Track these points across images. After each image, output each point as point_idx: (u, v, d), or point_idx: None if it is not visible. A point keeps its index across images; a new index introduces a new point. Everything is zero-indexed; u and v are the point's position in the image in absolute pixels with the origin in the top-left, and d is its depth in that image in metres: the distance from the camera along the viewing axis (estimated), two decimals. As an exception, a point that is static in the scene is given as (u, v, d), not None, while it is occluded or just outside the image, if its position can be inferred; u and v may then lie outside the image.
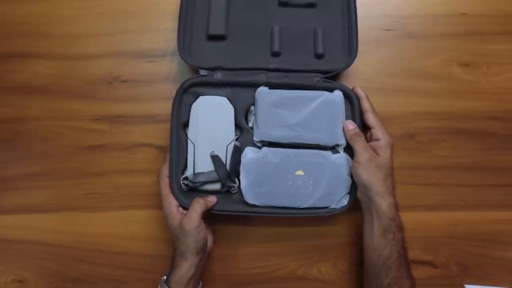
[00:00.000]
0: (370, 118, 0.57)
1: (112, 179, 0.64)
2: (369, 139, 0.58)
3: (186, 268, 0.54)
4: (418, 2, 0.67)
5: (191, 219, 0.54)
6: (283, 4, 0.63)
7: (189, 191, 0.59)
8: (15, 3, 0.67)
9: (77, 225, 0.64)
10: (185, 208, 0.56)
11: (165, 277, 0.55)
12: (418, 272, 0.63)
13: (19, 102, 0.66)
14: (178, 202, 0.57)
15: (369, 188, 0.54)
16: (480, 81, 0.66)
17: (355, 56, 0.59)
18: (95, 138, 0.65)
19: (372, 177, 0.54)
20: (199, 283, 0.57)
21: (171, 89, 0.65)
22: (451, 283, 0.64)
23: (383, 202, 0.53)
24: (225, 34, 0.61)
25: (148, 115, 0.65)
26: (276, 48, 0.61)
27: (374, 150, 0.56)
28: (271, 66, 0.60)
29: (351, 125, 0.58)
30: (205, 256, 0.57)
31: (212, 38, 0.61)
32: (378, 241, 0.54)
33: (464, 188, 0.65)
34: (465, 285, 0.63)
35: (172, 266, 0.55)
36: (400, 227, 0.54)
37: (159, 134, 0.64)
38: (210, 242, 0.58)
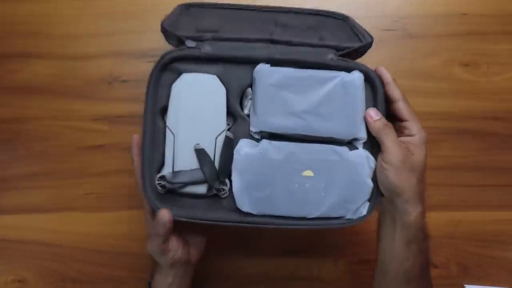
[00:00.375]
0: (403, 109, 0.46)
1: (112, 179, 0.64)
2: (397, 135, 0.48)
3: (163, 276, 0.50)
4: (418, 2, 0.67)
5: (150, 246, 0.48)
6: (281, 26, 0.51)
7: (167, 193, 0.48)
8: (15, 3, 0.67)
9: (77, 225, 0.64)
10: None
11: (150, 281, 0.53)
12: (419, 272, 0.63)
13: (19, 102, 0.66)
14: (152, 207, 0.47)
15: (399, 195, 0.45)
16: (480, 81, 0.66)
17: (372, 39, 0.50)
18: (95, 138, 0.65)
19: (404, 182, 0.45)
20: None
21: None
22: (451, 283, 0.64)
23: (413, 212, 0.45)
24: (217, 29, 0.49)
25: (148, 115, 0.65)
26: (282, 20, 0.50)
27: (407, 147, 0.46)
28: (275, 37, 0.48)
29: (375, 114, 0.47)
30: (186, 267, 0.51)
31: (201, 30, 0.50)
32: (399, 252, 0.46)
33: (464, 188, 0.65)
34: (465, 285, 0.63)
35: (151, 272, 0.53)
36: (426, 236, 0.47)
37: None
38: (195, 253, 0.52)
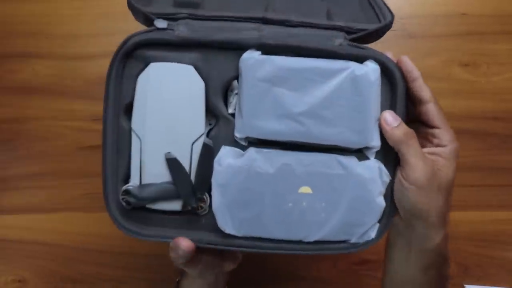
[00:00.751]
0: (434, 113, 0.37)
1: (112, 179, 0.64)
2: (423, 144, 0.39)
3: (190, 282, 0.46)
4: (417, 2, 0.67)
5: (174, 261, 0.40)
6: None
7: (135, 209, 0.40)
8: (15, 3, 0.67)
9: (77, 225, 0.64)
10: (134, 232, 0.40)
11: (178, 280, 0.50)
12: (418, 272, 0.63)
13: (19, 102, 0.66)
14: (116, 225, 0.40)
15: (421, 219, 0.38)
16: (480, 81, 0.66)
17: (392, 17, 0.40)
18: (95, 138, 0.65)
19: (429, 204, 0.37)
20: None
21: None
22: (451, 283, 0.63)
23: (436, 238, 0.39)
24: (198, 1, 0.40)
25: (148, 115, 0.65)
26: (273, 6, 0.40)
27: (434, 161, 0.37)
28: (269, 15, 0.38)
29: (393, 120, 0.37)
30: (218, 275, 0.45)
31: (180, 4, 0.40)
32: (414, 277, 0.40)
33: (464, 188, 0.65)
34: (465, 285, 0.63)
35: (177, 282, 0.49)
36: (447, 260, 0.42)
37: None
38: (230, 261, 0.44)
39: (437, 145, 0.38)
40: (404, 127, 0.37)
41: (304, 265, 0.63)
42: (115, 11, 0.67)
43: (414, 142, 0.37)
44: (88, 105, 0.65)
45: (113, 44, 0.66)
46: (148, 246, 0.64)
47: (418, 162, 0.36)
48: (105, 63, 0.65)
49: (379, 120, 0.38)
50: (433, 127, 0.39)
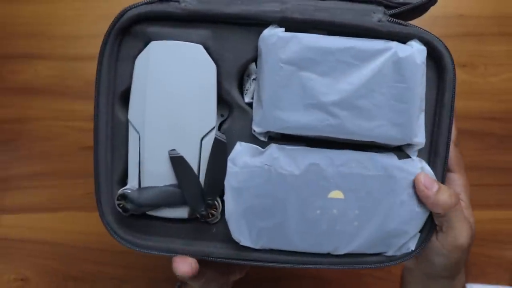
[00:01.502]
0: (453, 157, 0.35)
1: (113, 179, 0.65)
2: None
3: None
4: (416, 4, 0.67)
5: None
6: None
7: (133, 216, 0.35)
8: (17, 4, 0.67)
9: (79, 224, 0.64)
10: (132, 243, 0.36)
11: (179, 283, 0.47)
12: (417, 271, 0.64)
13: (20, 103, 0.66)
14: (111, 233, 0.35)
15: (443, 274, 0.36)
16: (478, 82, 0.66)
17: None
18: (96, 138, 0.65)
19: (456, 262, 0.35)
20: None
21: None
22: (449, 282, 0.64)
23: (458, 286, 0.37)
24: None
25: (149, 116, 0.65)
26: None
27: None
28: None
29: (431, 182, 0.32)
30: (222, 285, 0.40)
31: None
32: None
33: (462, 187, 0.65)
34: (463, 284, 0.64)
35: (181, 282, 0.45)
36: None
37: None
38: (235, 272, 0.41)
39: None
40: (447, 190, 0.32)
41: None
42: (116, 12, 0.67)
43: (459, 205, 0.33)
44: (89, 106, 0.65)
45: (114, 45, 0.67)
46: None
47: (463, 226, 0.33)
48: (106, 64, 0.67)
49: (415, 183, 0.32)
50: (449, 170, 0.35)
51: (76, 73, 0.66)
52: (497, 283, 0.64)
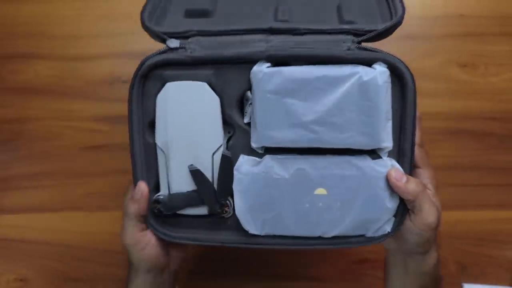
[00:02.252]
0: (418, 156, 0.41)
1: (113, 179, 0.65)
2: None
3: (137, 284, 0.45)
4: (417, 3, 0.67)
5: (125, 234, 0.42)
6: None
7: (164, 215, 0.43)
8: (16, 4, 0.67)
9: (78, 224, 0.64)
10: (167, 235, 0.43)
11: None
12: (417, 271, 0.64)
13: (20, 103, 0.66)
14: (154, 232, 0.43)
15: (416, 250, 0.42)
16: (478, 82, 0.66)
17: (403, 11, 0.40)
18: (96, 138, 0.65)
19: (427, 240, 0.41)
20: None
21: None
22: (449, 282, 0.64)
23: (429, 262, 0.43)
24: (209, 9, 0.43)
25: (148, 116, 0.65)
26: (282, 8, 0.42)
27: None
28: (275, 25, 0.39)
29: (401, 175, 0.38)
30: (166, 276, 0.46)
31: (191, 15, 0.43)
32: None
33: (462, 187, 0.65)
34: (463, 284, 0.64)
35: (126, 282, 0.46)
36: (440, 280, 0.45)
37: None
38: (175, 257, 0.46)
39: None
40: (414, 180, 0.39)
41: (304, 264, 0.64)
42: (116, 12, 0.67)
43: (425, 191, 0.39)
44: (89, 106, 0.66)
45: (114, 45, 0.67)
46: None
47: (431, 208, 0.39)
48: (106, 64, 0.67)
49: (389, 178, 0.39)
50: (415, 167, 0.42)
51: (76, 73, 0.66)
52: (497, 283, 0.64)
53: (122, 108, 0.65)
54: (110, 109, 0.65)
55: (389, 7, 0.40)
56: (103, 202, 0.64)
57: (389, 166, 0.39)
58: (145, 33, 0.66)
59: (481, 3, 0.67)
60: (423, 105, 0.65)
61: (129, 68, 0.66)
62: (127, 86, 0.65)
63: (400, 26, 0.68)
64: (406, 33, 0.67)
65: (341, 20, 0.40)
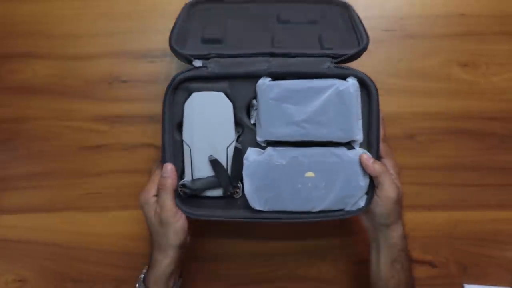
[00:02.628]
0: (381, 148, 0.52)
1: (112, 179, 0.65)
2: None
3: (166, 264, 0.51)
4: (417, 3, 0.67)
5: (164, 207, 0.50)
6: (283, 22, 0.58)
7: (189, 197, 0.53)
8: (15, 3, 0.67)
9: (77, 225, 0.64)
10: (190, 214, 0.52)
11: (142, 276, 0.54)
12: (418, 272, 0.63)
13: (19, 102, 0.66)
14: (181, 209, 0.52)
15: (382, 221, 0.52)
16: (479, 81, 0.66)
17: (368, 40, 0.53)
18: (95, 138, 0.65)
19: (390, 212, 0.51)
20: (179, 279, 0.55)
21: (171, 89, 0.65)
22: (450, 282, 0.64)
23: (394, 234, 0.52)
24: (220, 39, 0.55)
25: (148, 115, 0.65)
26: (278, 36, 0.55)
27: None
28: (274, 50, 0.52)
29: (369, 157, 0.50)
30: (185, 249, 0.53)
31: (207, 41, 0.55)
32: (385, 271, 0.52)
33: (463, 188, 0.65)
34: (464, 284, 0.64)
35: (149, 265, 0.53)
36: (408, 257, 0.53)
37: (159, 134, 0.64)
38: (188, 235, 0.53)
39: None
40: (378, 162, 0.51)
41: (304, 265, 0.64)
42: (115, 12, 0.67)
43: (387, 171, 0.51)
44: (88, 105, 0.66)
45: (113, 44, 0.67)
46: (147, 245, 0.64)
47: (391, 185, 0.50)
48: (105, 63, 0.66)
49: (361, 160, 0.51)
50: (382, 157, 0.53)
51: (75, 72, 0.66)
52: (498, 283, 0.64)
53: (121, 108, 0.66)
54: (109, 109, 0.65)
55: (357, 37, 0.53)
56: (102, 202, 0.64)
57: (361, 153, 0.51)
58: (144, 32, 0.67)
59: (482, 2, 0.67)
60: (424, 105, 0.65)
61: (128, 68, 0.66)
62: (126, 85, 0.66)
63: (401, 26, 0.69)
64: (406, 32, 0.67)
65: (322, 47, 0.53)
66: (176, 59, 0.60)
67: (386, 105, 0.65)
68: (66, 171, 0.65)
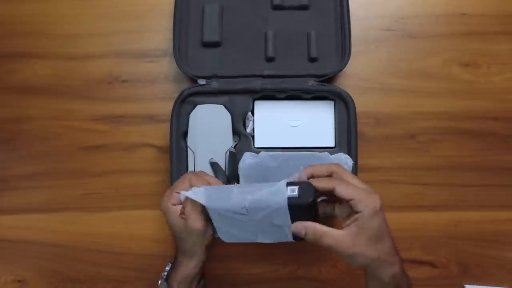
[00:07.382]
0: (342, 192, 0.46)
1: (112, 179, 0.64)
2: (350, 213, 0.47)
3: (192, 266, 0.51)
4: (418, 2, 0.67)
5: (196, 221, 0.48)
6: (276, 7, 0.64)
7: None
8: (15, 3, 0.67)
9: (77, 225, 0.64)
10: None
11: (165, 274, 0.54)
12: (418, 272, 0.63)
13: (19, 102, 0.66)
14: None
15: (370, 266, 0.46)
16: (480, 81, 0.66)
17: (348, 59, 0.60)
18: (95, 138, 0.65)
19: (373, 254, 0.45)
20: (201, 280, 0.54)
21: (171, 89, 0.65)
22: (451, 283, 0.64)
23: (388, 274, 0.46)
24: (219, 41, 0.63)
25: (148, 115, 0.65)
26: (270, 53, 0.62)
27: (356, 225, 0.45)
28: (266, 72, 0.61)
29: (301, 226, 0.47)
30: (210, 251, 0.53)
31: (207, 45, 0.63)
32: None
33: (464, 188, 0.65)
34: (465, 285, 0.63)
35: (174, 265, 0.52)
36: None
37: (159, 134, 0.64)
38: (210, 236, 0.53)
39: (356, 212, 0.45)
40: (311, 227, 0.46)
41: (304, 265, 0.63)
42: (115, 11, 0.67)
43: (325, 234, 0.46)
44: (88, 105, 0.65)
45: (113, 44, 0.67)
46: (147, 246, 0.64)
47: (338, 239, 0.45)
48: (105, 63, 0.66)
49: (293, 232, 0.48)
50: (348, 200, 0.46)
51: (75, 72, 0.66)
52: (499, 284, 0.63)
53: (121, 108, 0.66)
54: (109, 109, 0.65)
55: (343, 53, 0.61)
56: (102, 203, 0.64)
57: (343, 158, 0.59)
58: (144, 32, 0.67)
59: (483, 1, 0.66)
60: (424, 105, 0.65)
61: (128, 68, 0.66)
62: (126, 85, 0.66)
63: (401, 26, 0.68)
64: (408, 32, 0.66)
65: (309, 57, 0.62)
66: (175, 60, 0.61)
67: (387, 105, 0.65)
68: (66, 171, 0.65)
